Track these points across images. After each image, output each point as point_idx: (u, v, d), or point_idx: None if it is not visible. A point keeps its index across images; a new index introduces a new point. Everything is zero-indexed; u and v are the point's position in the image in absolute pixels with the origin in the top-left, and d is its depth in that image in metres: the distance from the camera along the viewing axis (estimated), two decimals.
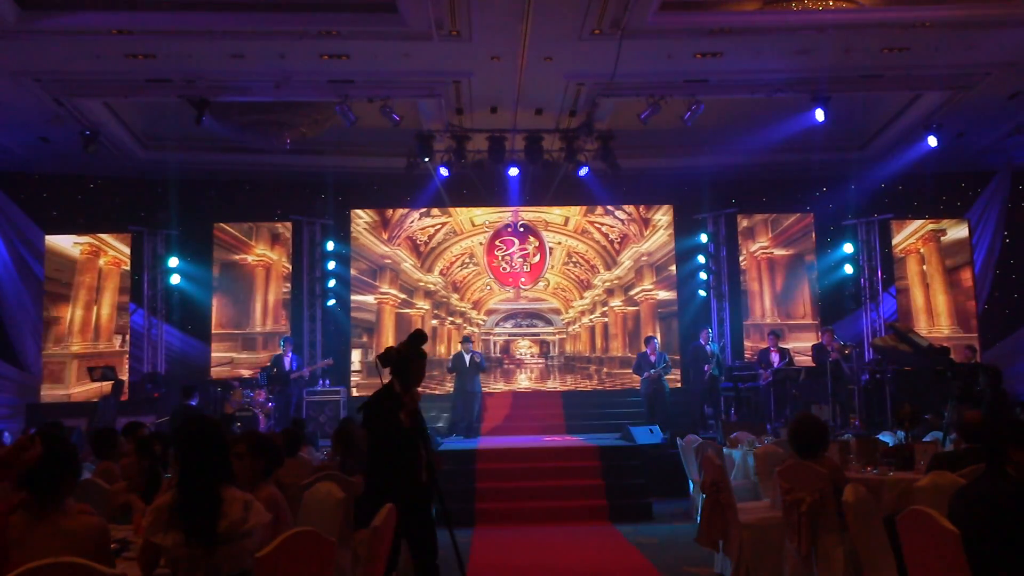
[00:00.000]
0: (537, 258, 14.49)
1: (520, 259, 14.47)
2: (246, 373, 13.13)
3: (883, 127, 12.66)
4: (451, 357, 12.95)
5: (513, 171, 12.68)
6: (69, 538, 2.94)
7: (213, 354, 13.62)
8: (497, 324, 14.39)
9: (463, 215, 14.45)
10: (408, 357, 4.47)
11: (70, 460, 3.11)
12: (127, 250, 13.62)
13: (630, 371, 13.25)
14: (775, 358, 11.91)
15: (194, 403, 10.98)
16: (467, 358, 12.11)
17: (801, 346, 13.07)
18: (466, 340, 12.59)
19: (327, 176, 13.80)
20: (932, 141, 11.70)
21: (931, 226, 14.13)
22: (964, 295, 13.99)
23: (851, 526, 4.41)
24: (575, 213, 14.53)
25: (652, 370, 11.91)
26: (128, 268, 13.59)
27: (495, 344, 14.40)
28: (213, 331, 13.72)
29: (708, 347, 12.25)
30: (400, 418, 4.34)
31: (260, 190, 13.94)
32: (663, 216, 14.50)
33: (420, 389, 4.81)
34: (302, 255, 13.92)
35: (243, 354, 13.68)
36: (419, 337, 4.64)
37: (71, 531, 2.96)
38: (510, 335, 14.49)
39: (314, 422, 11.92)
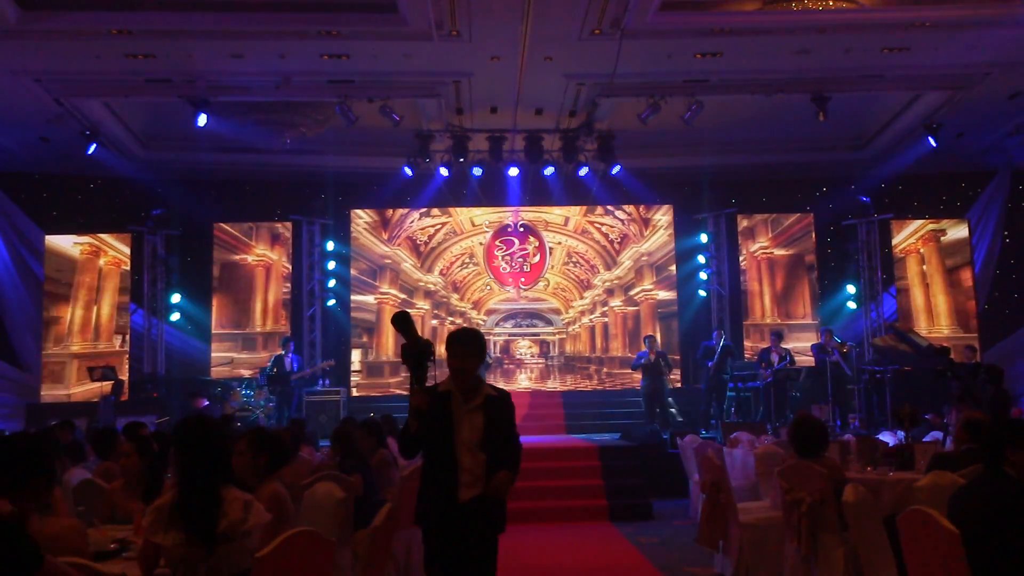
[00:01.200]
0: (537, 258, 14.49)
1: (520, 259, 14.48)
2: (246, 373, 13.13)
3: (883, 127, 12.66)
4: None
5: (513, 171, 12.69)
6: (46, 543, 2.94)
7: (213, 354, 13.62)
8: (497, 324, 14.40)
9: (463, 215, 14.45)
10: (417, 350, 3.57)
11: (42, 465, 2.97)
12: (127, 250, 13.62)
13: (630, 371, 13.24)
14: (775, 358, 11.92)
15: (205, 404, 10.82)
16: None
17: (801, 346, 13.07)
18: None
19: (327, 176, 13.80)
20: (932, 141, 11.71)
21: (931, 226, 14.14)
22: (964, 295, 14.00)
23: (851, 526, 4.41)
24: (575, 213, 14.53)
25: (646, 358, 11.94)
26: (128, 268, 13.59)
27: (495, 344, 14.40)
28: (213, 331, 13.72)
29: (719, 347, 12.20)
30: (408, 423, 3.63)
31: (260, 190, 13.95)
32: (663, 216, 14.50)
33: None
34: (302, 255, 13.92)
35: (243, 354, 13.68)
36: (395, 321, 3.69)
37: (47, 536, 2.96)
38: (510, 335, 14.50)
39: (314, 422, 11.91)
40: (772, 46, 9.70)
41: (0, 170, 12.99)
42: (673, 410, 12.43)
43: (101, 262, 13.60)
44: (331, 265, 13.94)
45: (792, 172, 13.91)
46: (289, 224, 14.02)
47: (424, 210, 14.33)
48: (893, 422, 9.89)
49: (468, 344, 3.69)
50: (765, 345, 12.50)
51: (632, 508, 9.08)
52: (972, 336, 13.64)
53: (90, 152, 11.40)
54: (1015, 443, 3.39)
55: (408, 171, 12.38)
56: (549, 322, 14.55)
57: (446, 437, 3.61)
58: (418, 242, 14.47)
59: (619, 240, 14.59)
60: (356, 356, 14.09)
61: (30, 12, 8.69)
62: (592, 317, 14.54)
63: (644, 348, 12.34)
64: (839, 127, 11.99)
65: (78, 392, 13.04)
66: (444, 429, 3.61)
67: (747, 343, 13.91)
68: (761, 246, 14.29)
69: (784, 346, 12.33)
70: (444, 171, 12.52)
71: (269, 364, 12.30)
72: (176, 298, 13.62)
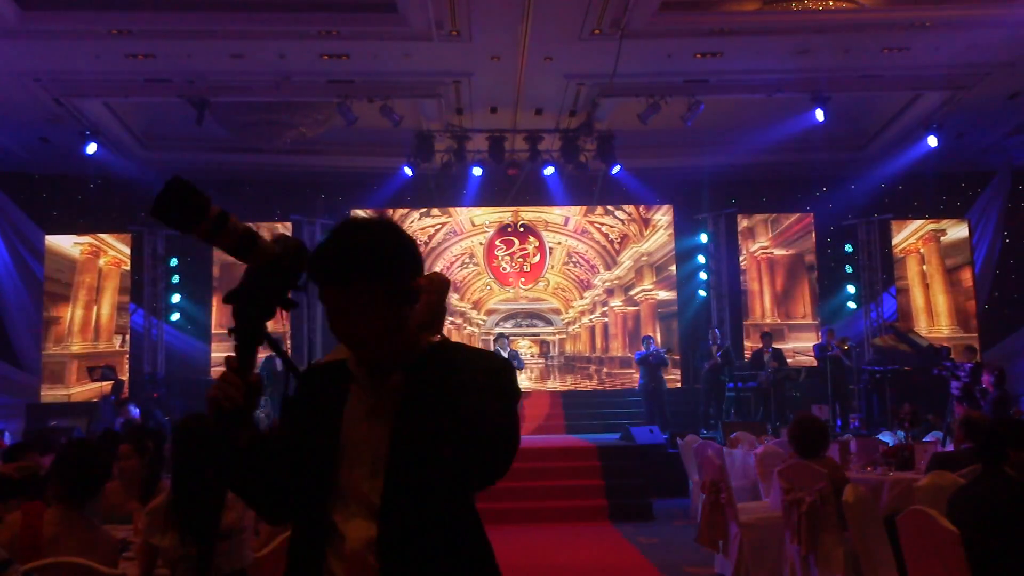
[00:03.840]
0: (537, 258, 14.49)
1: (520, 259, 14.48)
2: None
3: (883, 127, 12.66)
4: None
5: (513, 171, 12.70)
6: (94, 546, 3.00)
7: (213, 354, 13.61)
8: (497, 324, 14.40)
9: (463, 215, 14.45)
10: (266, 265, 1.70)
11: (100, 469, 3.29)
12: (127, 250, 13.62)
13: (630, 371, 13.25)
14: (769, 359, 11.93)
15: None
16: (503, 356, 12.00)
17: (801, 346, 13.06)
18: (501, 337, 12.46)
19: (327, 176, 13.80)
20: (932, 141, 11.72)
21: (931, 226, 14.13)
22: (964, 295, 13.99)
23: (851, 526, 4.41)
24: (575, 213, 14.53)
25: (650, 350, 12.02)
26: (128, 268, 13.59)
27: (494, 344, 14.39)
28: (213, 331, 13.71)
29: (715, 347, 12.25)
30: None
31: (260, 190, 13.93)
32: (663, 216, 14.50)
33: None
34: None
35: None
36: (162, 210, 1.48)
37: (95, 540, 3.03)
38: (510, 335, 14.50)
39: None
40: (772, 46, 9.70)
41: (0, 170, 12.99)
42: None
43: (101, 262, 13.60)
44: None
45: (792, 172, 13.91)
46: (289, 224, 14.01)
47: (424, 210, 14.33)
48: (893, 422, 9.91)
49: (352, 267, 1.58)
50: (760, 346, 12.50)
51: (632, 508, 9.08)
52: (972, 336, 13.63)
53: (90, 152, 11.40)
54: (1016, 443, 3.39)
55: (408, 171, 12.38)
56: (549, 322, 14.54)
57: (323, 460, 1.61)
58: (418, 242, 14.44)
59: (619, 240, 14.59)
60: None
61: (30, 12, 8.68)
62: (592, 317, 14.54)
63: (642, 349, 12.36)
64: (839, 127, 11.98)
65: (78, 392, 13.04)
66: (322, 444, 1.62)
67: (747, 343, 13.90)
68: (761, 246, 14.29)
69: (783, 346, 12.34)
70: (444, 171, 12.52)
71: (260, 366, 12.26)
72: (176, 298, 13.61)
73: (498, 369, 1.65)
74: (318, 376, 1.76)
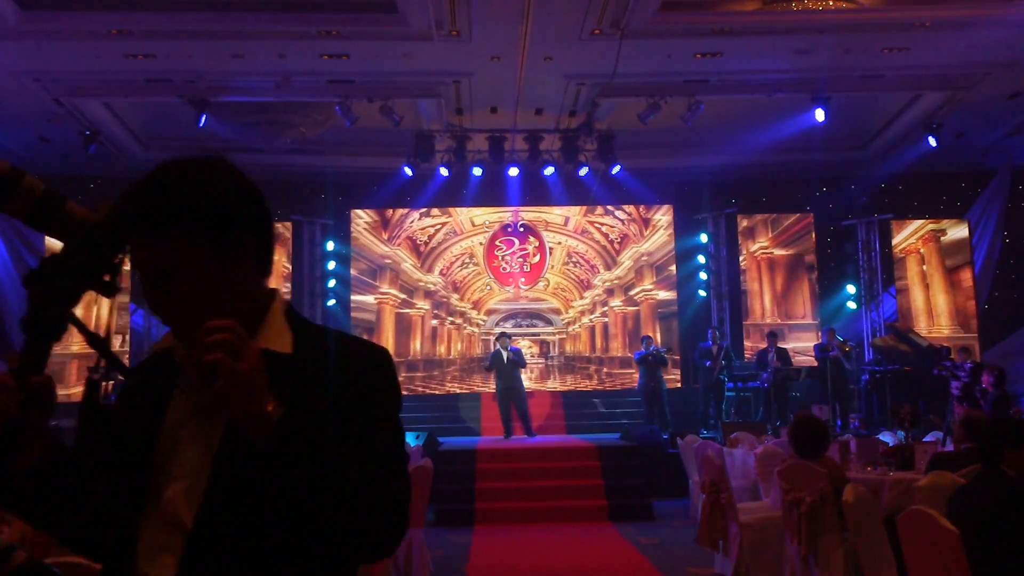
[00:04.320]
0: (537, 258, 14.49)
1: (520, 259, 14.48)
2: None
3: (883, 127, 12.67)
4: (489, 355, 12.58)
5: (513, 171, 12.71)
6: None
7: None
8: (497, 324, 14.40)
9: (463, 215, 14.45)
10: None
11: None
12: None
13: (630, 371, 13.24)
14: (772, 357, 11.94)
15: None
16: (504, 355, 11.98)
17: (801, 346, 13.06)
18: (503, 335, 12.40)
19: (327, 176, 13.80)
20: (932, 141, 11.72)
21: (931, 226, 14.13)
22: (964, 295, 13.99)
23: (851, 526, 4.41)
24: (575, 213, 14.53)
25: (649, 349, 11.98)
26: (128, 268, 13.56)
27: (495, 344, 14.39)
28: None
29: (715, 347, 12.25)
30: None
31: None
32: (663, 216, 14.50)
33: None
34: (302, 255, 13.92)
35: None
36: None
37: None
38: (511, 335, 14.50)
39: None
40: (772, 46, 9.70)
41: None
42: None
43: None
44: (331, 265, 13.94)
45: (792, 172, 13.91)
46: (289, 224, 14.01)
47: (424, 210, 14.33)
48: (893, 422, 9.92)
49: (161, 215, 1.31)
50: (764, 346, 12.49)
51: (632, 508, 9.08)
52: (972, 336, 13.63)
53: (90, 152, 11.41)
54: (1012, 443, 3.39)
55: (408, 171, 12.38)
56: (549, 322, 14.54)
57: (132, 475, 1.28)
58: (418, 242, 14.47)
59: (619, 240, 14.59)
60: None
61: (30, 12, 8.68)
62: (592, 317, 14.54)
63: (641, 348, 12.36)
64: (839, 127, 11.98)
65: (78, 392, 12.99)
66: (133, 454, 1.29)
67: (747, 343, 13.91)
68: (761, 246, 14.29)
69: (784, 346, 12.33)
70: (444, 171, 12.53)
71: None
72: None
73: (380, 392, 1.25)
74: (141, 372, 1.38)
